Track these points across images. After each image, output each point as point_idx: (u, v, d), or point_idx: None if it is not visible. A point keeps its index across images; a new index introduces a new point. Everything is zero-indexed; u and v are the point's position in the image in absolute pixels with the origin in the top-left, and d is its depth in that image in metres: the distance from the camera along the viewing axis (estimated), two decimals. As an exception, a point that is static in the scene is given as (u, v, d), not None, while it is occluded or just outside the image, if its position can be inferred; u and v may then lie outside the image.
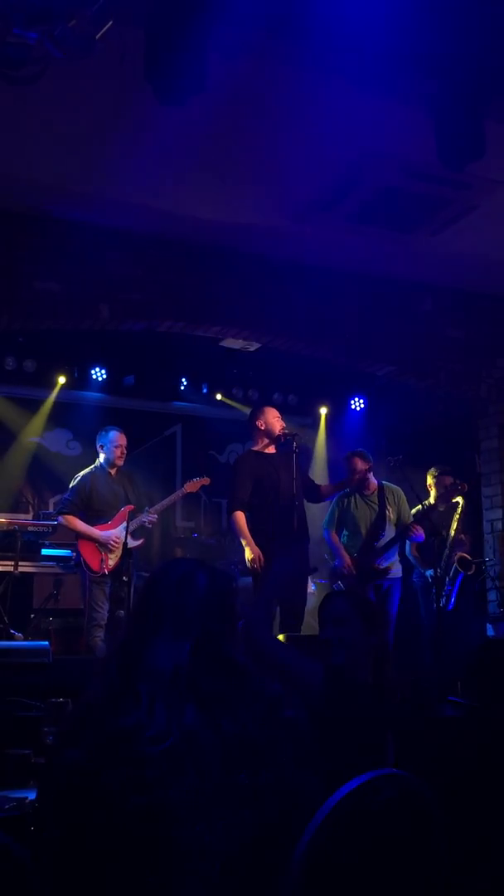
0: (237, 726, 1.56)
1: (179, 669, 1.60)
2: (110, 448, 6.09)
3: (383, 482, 6.46)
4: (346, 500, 6.42)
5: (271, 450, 5.83)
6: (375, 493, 6.39)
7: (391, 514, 6.34)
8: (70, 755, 1.53)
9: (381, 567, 6.15)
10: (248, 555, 5.39)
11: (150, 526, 6.29)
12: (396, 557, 6.28)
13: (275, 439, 5.79)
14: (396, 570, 6.26)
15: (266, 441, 5.81)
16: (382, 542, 6.24)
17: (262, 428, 5.80)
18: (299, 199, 5.25)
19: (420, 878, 1.51)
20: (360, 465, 6.33)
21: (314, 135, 4.52)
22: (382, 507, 6.33)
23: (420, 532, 6.16)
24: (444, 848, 1.53)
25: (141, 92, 3.38)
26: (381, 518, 6.30)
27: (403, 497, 6.46)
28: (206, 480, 6.52)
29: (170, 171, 4.92)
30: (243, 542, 5.45)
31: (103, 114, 4.32)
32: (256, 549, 5.37)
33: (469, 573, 6.51)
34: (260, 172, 4.94)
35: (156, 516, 6.23)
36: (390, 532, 6.25)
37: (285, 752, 1.62)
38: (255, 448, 5.86)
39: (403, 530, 6.18)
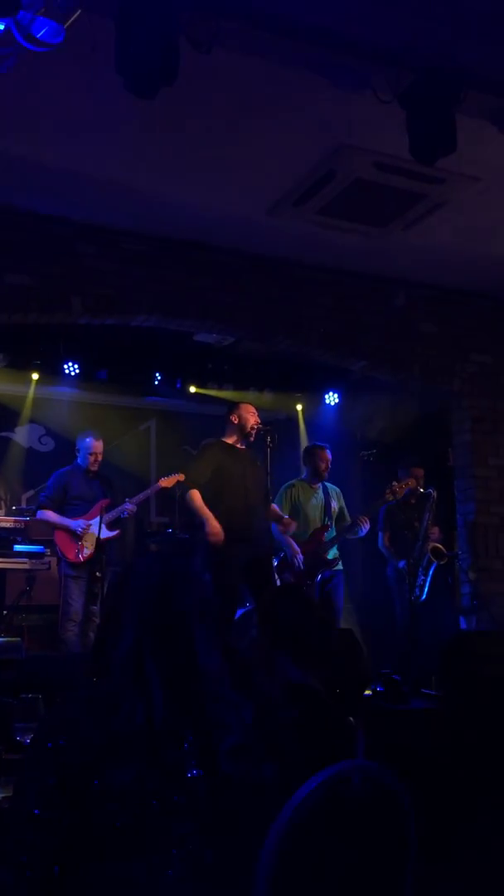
0: (271, 718, 1.57)
1: (221, 667, 1.58)
2: (84, 455, 6.31)
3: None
4: (295, 492, 6.46)
5: (241, 446, 5.85)
6: (319, 486, 6.51)
7: (335, 507, 6.50)
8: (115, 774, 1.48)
9: (330, 559, 6.26)
10: (210, 529, 5.41)
11: (127, 515, 6.34)
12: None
13: (245, 435, 5.81)
14: (339, 562, 6.39)
15: (236, 436, 5.84)
16: (331, 533, 6.34)
17: (235, 422, 5.83)
18: (272, 192, 5.24)
19: (389, 869, 1.52)
20: (328, 456, 6.46)
21: (287, 128, 4.51)
22: (328, 500, 6.46)
23: (367, 524, 6.28)
24: (414, 839, 1.54)
25: (112, 83, 3.34)
26: (327, 511, 6.40)
27: (340, 492, 6.65)
28: (181, 476, 6.54)
29: (142, 163, 4.89)
30: (205, 517, 5.47)
31: (75, 105, 4.29)
32: (217, 524, 5.44)
33: (442, 563, 6.57)
34: (232, 165, 4.92)
35: (135, 507, 6.31)
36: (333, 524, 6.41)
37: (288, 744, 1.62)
38: (225, 440, 5.88)
39: (353, 522, 6.29)
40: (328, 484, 6.60)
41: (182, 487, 5.91)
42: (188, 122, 4.43)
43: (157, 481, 6.65)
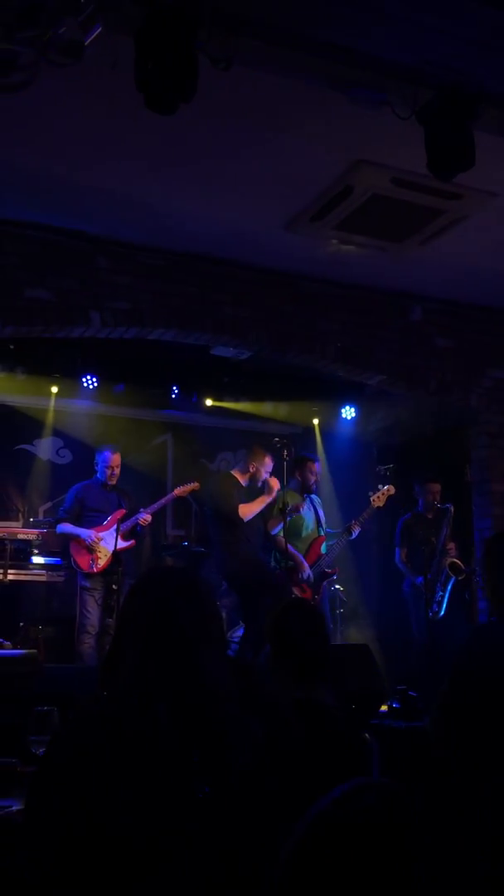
0: (281, 735, 1.56)
1: (227, 681, 1.58)
2: (102, 468, 6.37)
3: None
4: (285, 497, 6.46)
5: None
6: (306, 496, 6.59)
7: (322, 517, 6.59)
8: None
9: (330, 570, 6.35)
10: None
11: (143, 524, 6.36)
12: None
13: (253, 481, 6.05)
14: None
15: (247, 479, 5.97)
16: (333, 544, 6.44)
17: (252, 470, 5.97)
18: (290, 207, 5.26)
19: (400, 886, 1.50)
20: (318, 469, 6.55)
21: (305, 144, 4.53)
22: (316, 509, 6.55)
23: (358, 529, 6.39)
24: (423, 857, 1.53)
25: (131, 99, 3.38)
26: (318, 522, 6.40)
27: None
28: (195, 485, 6.59)
29: (161, 178, 4.93)
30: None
31: (95, 121, 4.33)
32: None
33: (460, 578, 6.53)
34: (251, 181, 4.95)
35: (149, 517, 6.34)
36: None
37: (294, 755, 1.61)
38: (239, 477, 5.99)
39: (346, 529, 6.40)
40: (312, 495, 6.63)
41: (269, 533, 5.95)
42: (207, 138, 4.47)
43: (174, 490, 6.69)
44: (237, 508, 5.80)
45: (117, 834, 1.42)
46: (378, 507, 6.53)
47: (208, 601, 1.69)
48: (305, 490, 6.49)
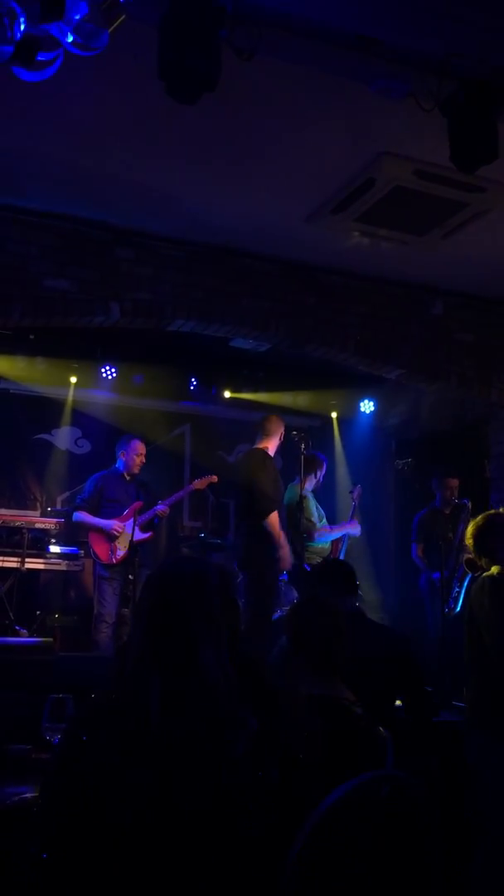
0: (278, 730, 1.56)
1: (227, 675, 1.57)
2: (131, 455, 6.35)
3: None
4: (306, 502, 6.43)
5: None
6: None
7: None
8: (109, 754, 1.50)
9: None
10: (283, 555, 5.49)
11: (162, 516, 6.37)
12: None
13: (279, 445, 5.90)
14: None
15: (269, 446, 5.90)
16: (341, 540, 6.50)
17: (266, 434, 5.90)
18: (311, 199, 5.24)
19: (414, 878, 1.50)
20: (325, 469, 6.54)
21: (327, 136, 4.51)
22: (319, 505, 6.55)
23: (358, 526, 6.54)
24: (440, 849, 1.52)
25: (155, 90, 3.37)
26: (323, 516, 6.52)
27: None
28: (213, 478, 6.59)
29: (181, 169, 4.92)
30: (279, 545, 5.50)
31: (116, 111, 4.33)
32: (289, 555, 5.53)
33: (476, 575, 6.50)
34: (272, 172, 4.93)
35: (167, 508, 6.35)
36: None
37: (306, 753, 1.61)
38: (264, 451, 5.89)
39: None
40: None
41: (263, 506, 5.68)
42: (228, 129, 4.45)
43: (192, 482, 6.69)
44: (273, 497, 5.70)
45: (119, 821, 1.43)
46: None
47: (218, 593, 1.67)
48: (313, 488, 6.46)
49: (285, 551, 5.47)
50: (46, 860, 1.48)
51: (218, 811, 1.45)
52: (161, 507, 6.33)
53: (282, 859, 1.46)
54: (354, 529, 6.36)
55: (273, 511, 5.54)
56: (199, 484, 6.60)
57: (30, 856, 1.52)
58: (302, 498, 5.89)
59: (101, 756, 1.50)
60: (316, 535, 6.19)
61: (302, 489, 5.68)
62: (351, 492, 6.96)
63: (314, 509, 6.35)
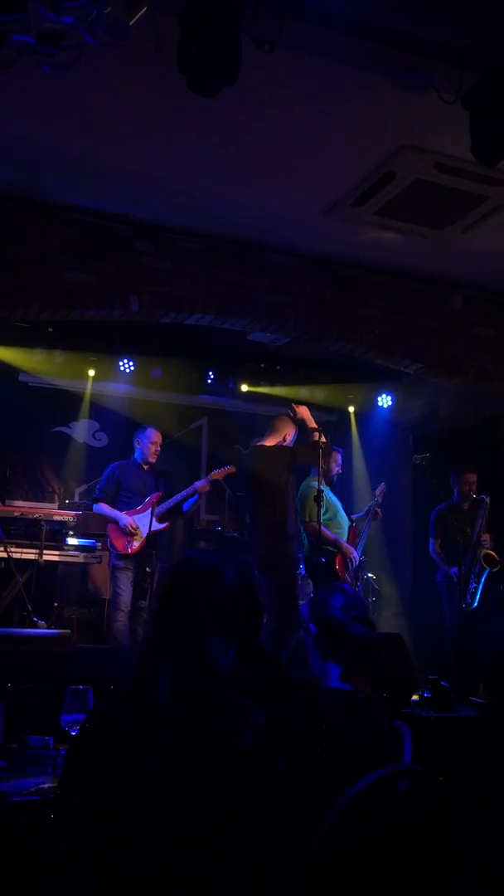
0: (288, 724, 1.56)
1: (235, 667, 1.59)
2: (146, 444, 6.34)
3: None
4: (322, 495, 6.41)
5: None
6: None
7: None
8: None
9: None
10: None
11: (203, 491, 6.44)
12: None
13: (293, 439, 5.90)
14: None
15: (282, 440, 5.89)
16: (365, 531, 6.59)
17: (286, 441, 5.89)
18: (331, 193, 5.22)
19: (434, 872, 1.50)
20: (339, 460, 6.50)
21: (347, 128, 4.49)
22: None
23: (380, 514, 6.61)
24: (458, 843, 1.52)
25: (175, 83, 3.37)
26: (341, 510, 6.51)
27: None
28: (232, 469, 6.58)
29: (201, 162, 4.92)
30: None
31: (137, 104, 4.33)
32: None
33: (494, 570, 6.47)
34: (291, 164, 4.92)
35: (207, 483, 6.40)
36: None
37: (321, 746, 1.62)
38: (279, 443, 5.89)
39: (374, 513, 6.66)
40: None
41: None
42: (248, 122, 4.44)
43: (210, 473, 6.66)
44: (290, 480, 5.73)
45: (131, 810, 1.45)
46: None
47: (232, 587, 1.68)
48: (327, 481, 6.41)
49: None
50: (63, 850, 1.50)
51: (224, 802, 1.46)
52: (201, 483, 6.38)
53: (294, 853, 1.47)
54: (353, 554, 6.28)
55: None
56: (216, 475, 6.59)
57: (46, 846, 1.54)
58: (320, 492, 5.87)
59: (115, 746, 1.52)
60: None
61: (320, 482, 5.67)
62: (374, 489, 6.92)
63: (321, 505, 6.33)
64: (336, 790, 1.49)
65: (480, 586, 6.45)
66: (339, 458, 6.52)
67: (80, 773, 1.56)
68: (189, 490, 6.44)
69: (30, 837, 1.95)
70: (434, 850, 1.47)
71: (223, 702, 1.54)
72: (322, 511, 6.11)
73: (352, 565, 6.16)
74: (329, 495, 6.34)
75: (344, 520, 6.39)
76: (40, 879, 1.54)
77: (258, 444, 5.93)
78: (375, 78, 3.91)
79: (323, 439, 5.76)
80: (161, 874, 1.45)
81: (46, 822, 1.60)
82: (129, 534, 6.12)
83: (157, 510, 6.20)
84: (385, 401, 8.56)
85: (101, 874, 1.52)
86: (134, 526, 6.10)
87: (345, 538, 6.28)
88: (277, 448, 5.84)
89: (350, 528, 6.43)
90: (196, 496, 6.40)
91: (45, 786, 2.26)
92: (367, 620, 2.45)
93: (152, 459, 6.33)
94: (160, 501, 6.26)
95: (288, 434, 5.91)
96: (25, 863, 1.71)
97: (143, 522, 6.17)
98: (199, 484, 6.50)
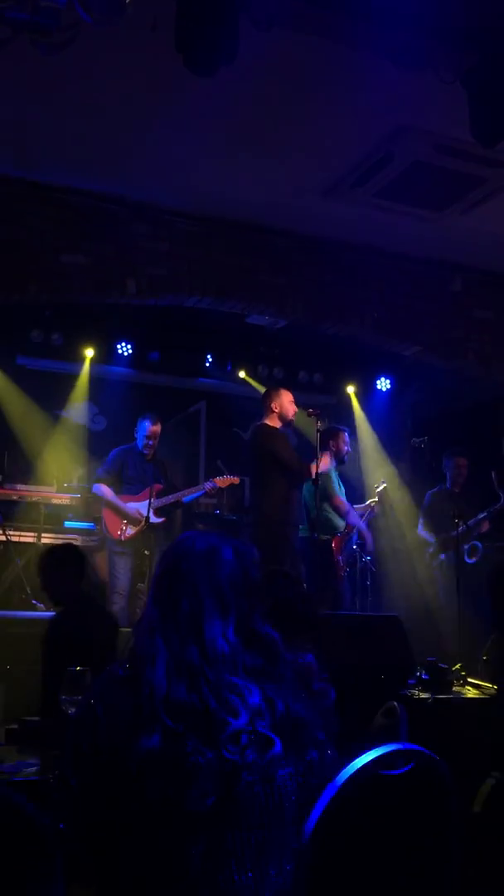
0: (284, 704, 1.57)
1: (232, 648, 1.60)
2: (141, 437, 6.35)
3: None
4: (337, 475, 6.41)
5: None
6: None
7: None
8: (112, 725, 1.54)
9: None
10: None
11: (211, 492, 6.50)
12: None
13: (287, 423, 5.81)
14: None
15: (279, 423, 5.82)
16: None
17: (276, 410, 5.80)
18: (329, 174, 5.20)
19: (433, 852, 1.51)
20: (346, 438, 6.43)
21: (345, 109, 4.46)
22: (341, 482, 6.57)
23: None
24: (458, 821, 1.53)
25: (172, 64, 3.34)
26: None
27: None
28: (235, 480, 6.58)
29: (199, 143, 4.88)
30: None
31: (134, 85, 4.30)
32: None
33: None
34: (290, 146, 4.89)
35: (215, 487, 6.39)
36: None
37: (321, 726, 1.63)
38: (274, 425, 5.84)
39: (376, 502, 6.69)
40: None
41: (304, 475, 5.72)
42: (246, 102, 4.41)
43: (210, 479, 6.62)
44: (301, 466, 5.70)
45: (130, 789, 1.48)
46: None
47: (230, 569, 1.69)
48: (339, 461, 6.41)
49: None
50: (63, 831, 1.52)
51: (221, 781, 1.48)
52: (210, 485, 6.39)
53: (289, 833, 1.48)
54: (368, 538, 6.32)
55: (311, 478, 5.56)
56: (221, 482, 6.56)
57: (51, 820, 1.55)
58: (317, 476, 5.85)
59: (112, 726, 1.54)
60: (344, 511, 6.20)
61: (317, 469, 5.64)
62: (377, 487, 6.87)
63: (337, 486, 6.31)
64: (333, 770, 1.50)
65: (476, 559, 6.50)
66: (345, 437, 6.48)
67: (79, 754, 1.57)
68: (194, 490, 6.48)
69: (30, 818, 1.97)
70: (433, 833, 1.48)
71: (220, 682, 1.55)
72: (341, 494, 6.15)
73: (369, 548, 6.24)
74: (335, 477, 6.34)
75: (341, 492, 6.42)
76: (40, 860, 1.56)
77: (261, 423, 5.88)
78: (372, 57, 3.87)
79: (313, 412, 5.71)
80: (158, 854, 1.46)
81: (48, 802, 1.61)
82: (133, 521, 6.11)
83: (156, 502, 6.16)
84: (384, 384, 8.55)
85: (100, 854, 1.53)
86: (141, 513, 6.08)
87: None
88: (280, 431, 5.81)
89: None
90: (199, 493, 6.42)
91: (45, 767, 2.28)
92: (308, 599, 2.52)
93: (146, 452, 6.33)
94: (160, 495, 6.23)
95: (282, 404, 5.83)
96: (25, 843, 1.72)
97: (142, 510, 6.16)
98: (206, 487, 6.50)
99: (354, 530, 6.30)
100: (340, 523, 6.19)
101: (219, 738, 1.50)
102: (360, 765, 1.44)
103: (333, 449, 6.15)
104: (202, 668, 1.57)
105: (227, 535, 1.80)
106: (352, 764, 1.42)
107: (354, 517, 6.25)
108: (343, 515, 6.16)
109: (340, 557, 6.09)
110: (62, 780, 1.61)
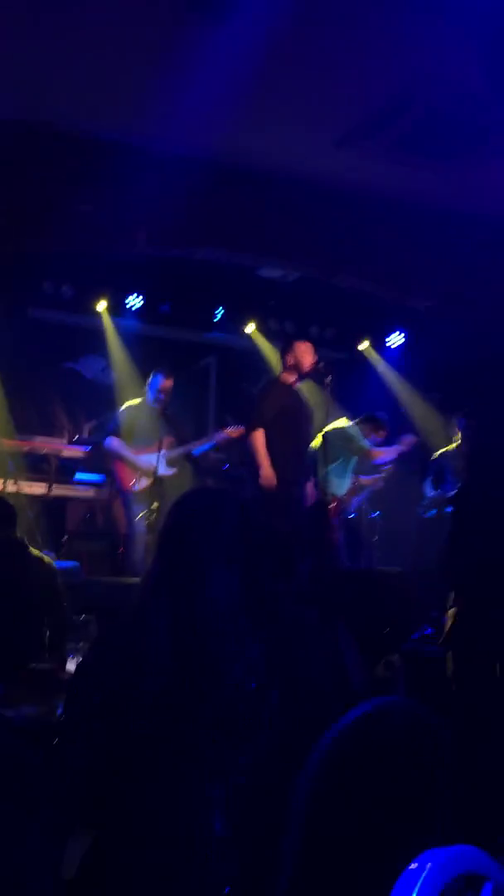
0: (284, 657, 1.60)
1: (236, 600, 1.62)
2: (153, 391, 6.36)
3: None
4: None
5: (296, 386, 5.81)
6: None
7: None
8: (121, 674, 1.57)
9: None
10: (264, 473, 5.41)
11: (221, 444, 6.50)
12: None
13: (302, 375, 5.75)
14: None
15: (294, 376, 5.77)
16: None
17: (291, 362, 5.75)
18: (343, 124, 5.10)
19: (426, 808, 1.53)
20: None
21: (359, 56, 4.36)
22: None
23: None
24: (451, 775, 1.55)
25: (181, 10, 3.27)
26: None
27: None
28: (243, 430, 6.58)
29: (209, 92, 4.78)
30: (260, 463, 5.45)
31: (144, 34, 4.22)
32: (270, 470, 5.42)
33: None
34: (303, 95, 4.80)
35: (226, 437, 6.40)
36: None
37: (320, 680, 1.65)
38: (284, 379, 5.82)
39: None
40: None
41: (246, 427, 5.77)
42: (258, 49, 4.30)
43: (219, 430, 6.64)
44: (256, 418, 5.67)
45: (134, 730, 1.51)
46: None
47: (233, 523, 1.70)
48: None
49: (264, 471, 5.46)
50: (65, 776, 1.56)
51: (218, 728, 1.52)
52: (221, 436, 6.40)
53: (283, 784, 1.51)
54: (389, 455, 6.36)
55: (256, 429, 5.52)
56: (231, 433, 6.56)
57: (49, 772, 1.59)
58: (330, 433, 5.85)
59: (116, 672, 1.58)
60: (376, 458, 6.22)
61: (325, 420, 5.63)
62: (402, 439, 6.81)
63: (360, 438, 6.31)
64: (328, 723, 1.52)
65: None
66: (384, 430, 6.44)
67: (83, 699, 1.61)
68: (204, 441, 6.48)
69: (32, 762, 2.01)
70: (424, 789, 1.50)
71: (222, 632, 1.58)
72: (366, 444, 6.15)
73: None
74: (354, 434, 6.35)
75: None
76: (41, 805, 1.60)
77: (270, 378, 5.86)
78: (389, 2, 3.78)
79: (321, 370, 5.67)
80: (155, 798, 1.50)
81: (50, 747, 1.65)
82: (146, 473, 6.15)
83: (167, 454, 6.20)
84: (398, 339, 8.47)
85: (104, 794, 1.57)
86: (153, 465, 6.12)
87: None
88: (277, 387, 5.79)
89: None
90: (209, 444, 6.42)
91: (48, 711, 2.33)
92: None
93: (157, 406, 6.34)
94: (171, 446, 6.28)
95: (297, 356, 5.77)
96: (26, 787, 1.77)
97: (153, 462, 6.19)
98: (217, 438, 6.50)
99: (364, 490, 6.32)
100: (342, 487, 6.21)
101: (219, 687, 1.53)
102: (353, 718, 1.45)
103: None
104: (204, 620, 1.59)
105: (233, 491, 1.82)
106: (344, 717, 1.44)
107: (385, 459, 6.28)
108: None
109: (336, 520, 6.09)
110: (66, 725, 1.64)
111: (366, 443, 6.23)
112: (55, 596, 3.58)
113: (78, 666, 1.73)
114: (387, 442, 6.58)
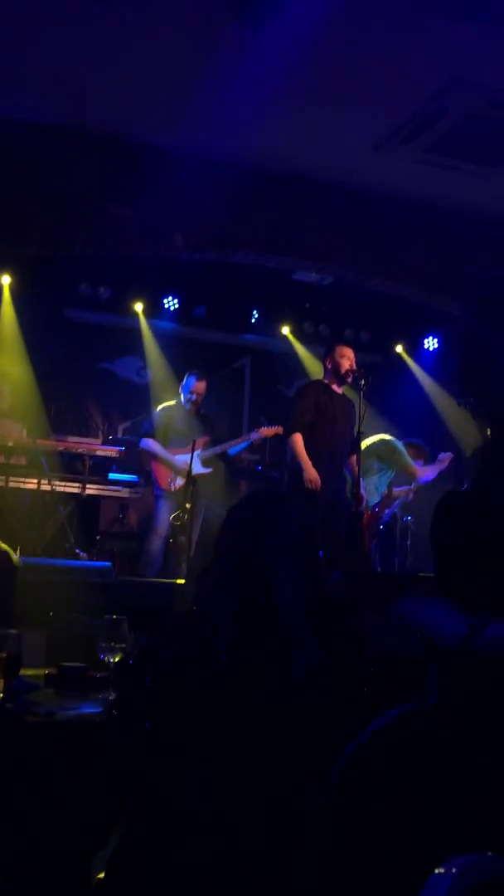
0: (342, 662, 1.63)
1: (302, 604, 1.64)
2: (186, 393, 6.40)
3: None
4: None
5: (336, 388, 5.79)
6: None
7: None
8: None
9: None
10: (308, 476, 5.41)
11: (257, 442, 6.52)
12: None
13: (340, 378, 5.74)
14: None
15: (332, 379, 5.77)
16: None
17: (329, 366, 5.77)
18: (379, 129, 5.10)
19: (452, 813, 1.53)
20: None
21: (397, 61, 4.36)
22: None
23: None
24: (481, 783, 1.54)
25: (223, 17, 3.30)
26: None
27: None
28: (279, 430, 6.58)
29: (249, 97, 4.82)
30: (303, 465, 5.46)
31: (185, 39, 4.25)
32: (314, 471, 5.41)
33: None
34: (341, 100, 4.80)
35: (259, 437, 6.44)
36: None
37: (372, 688, 1.66)
38: (321, 382, 5.84)
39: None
40: None
41: (285, 429, 5.74)
42: (295, 55, 4.32)
43: (255, 430, 6.65)
44: (295, 419, 5.68)
45: (187, 726, 1.54)
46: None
47: (299, 525, 1.73)
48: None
49: (308, 473, 5.46)
50: (112, 772, 1.58)
51: (274, 733, 1.52)
52: (255, 436, 6.42)
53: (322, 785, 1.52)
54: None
55: (296, 431, 5.52)
56: (265, 432, 6.58)
57: (95, 767, 1.62)
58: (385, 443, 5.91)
59: (176, 667, 1.59)
60: (420, 476, 6.27)
61: (359, 425, 5.61)
62: (440, 458, 6.79)
63: (406, 455, 6.37)
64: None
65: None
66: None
67: (136, 694, 1.62)
68: (239, 440, 6.51)
69: (69, 757, 2.04)
70: (451, 793, 1.50)
71: (289, 635, 1.60)
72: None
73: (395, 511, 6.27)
74: (398, 445, 6.38)
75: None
76: (85, 800, 1.62)
77: (310, 380, 5.88)
78: (426, 5, 3.78)
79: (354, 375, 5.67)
80: (200, 795, 1.51)
81: (96, 742, 1.67)
82: (182, 473, 6.20)
83: (203, 453, 6.27)
84: (431, 343, 8.43)
85: (145, 796, 1.59)
86: (185, 463, 6.17)
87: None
88: (313, 388, 5.81)
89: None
90: (244, 444, 6.47)
91: (84, 710, 2.36)
92: None
93: (188, 408, 6.39)
94: (207, 446, 6.33)
95: (334, 358, 5.76)
96: (65, 781, 1.79)
97: (189, 461, 6.22)
98: (252, 437, 6.52)
99: (396, 501, 6.33)
100: (377, 497, 6.22)
101: (277, 690, 1.54)
102: (382, 723, 1.46)
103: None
104: (275, 622, 1.61)
105: (283, 500, 1.84)
106: (376, 721, 1.45)
107: (427, 478, 6.31)
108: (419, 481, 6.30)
109: (370, 529, 6.10)
110: (117, 721, 1.65)
111: (410, 460, 6.28)
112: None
113: (132, 661, 1.75)
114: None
